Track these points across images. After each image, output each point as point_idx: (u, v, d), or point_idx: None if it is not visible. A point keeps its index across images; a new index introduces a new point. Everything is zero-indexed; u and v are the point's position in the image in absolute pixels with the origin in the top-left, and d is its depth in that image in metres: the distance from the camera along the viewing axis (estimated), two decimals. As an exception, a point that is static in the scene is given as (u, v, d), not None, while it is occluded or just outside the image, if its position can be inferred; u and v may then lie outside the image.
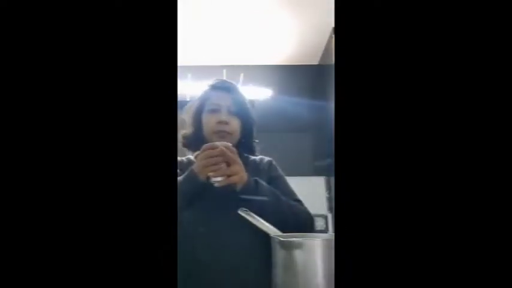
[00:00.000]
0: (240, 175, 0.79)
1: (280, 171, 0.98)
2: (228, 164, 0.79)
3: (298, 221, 0.85)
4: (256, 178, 0.84)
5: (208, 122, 0.93)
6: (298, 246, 0.59)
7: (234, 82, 1.02)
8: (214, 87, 0.98)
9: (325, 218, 2.27)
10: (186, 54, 2.45)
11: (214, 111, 0.93)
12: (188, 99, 2.45)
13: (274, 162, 0.99)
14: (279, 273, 0.61)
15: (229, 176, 0.78)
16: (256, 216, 0.70)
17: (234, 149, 0.82)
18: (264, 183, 0.85)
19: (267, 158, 0.99)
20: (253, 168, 0.93)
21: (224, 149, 0.79)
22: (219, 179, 0.78)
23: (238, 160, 0.81)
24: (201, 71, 2.51)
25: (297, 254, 0.59)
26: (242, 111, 0.95)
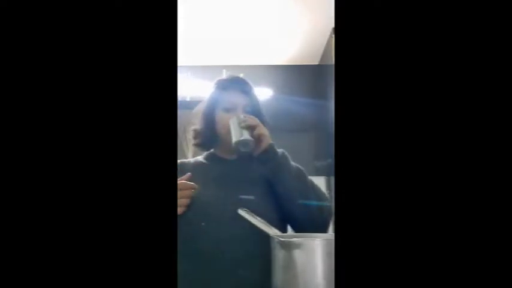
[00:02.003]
0: (266, 135, 0.83)
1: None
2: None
3: (320, 199, 0.86)
4: (283, 150, 0.87)
5: (224, 120, 0.90)
6: (298, 246, 0.59)
7: (248, 80, 0.99)
8: (227, 85, 0.95)
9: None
10: (186, 54, 2.45)
11: (230, 110, 0.91)
12: (188, 99, 2.45)
13: (286, 153, 0.98)
14: (279, 273, 0.61)
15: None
16: (256, 216, 0.70)
17: (254, 117, 0.85)
18: (289, 158, 0.87)
19: (279, 150, 0.99)
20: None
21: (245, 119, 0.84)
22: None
23: (260, 124, 0.84)
24: (201, 71, 2.50)
25: (297, 254, 0.59)
26: (256, 111, 0.94)
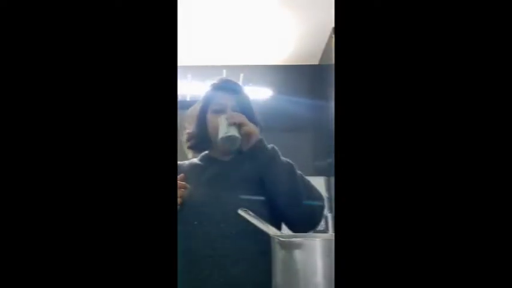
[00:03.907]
0: (254, 131, 0.85)
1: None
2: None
3: (311, 196, 0.86)
4: (273, 145, 0.87)
5: (213, 122, 0.92)
6: (298, 246, 0.59)
7: (237, 82, 1.02)
8: (217, 87, 0.98)
9: (325, 218, 2.27)
10: (186, 54, 2.45)
11: (219, 111, 0.93)
12: (188, 99, 2.45)
13: (276, 148, 0.98)
14: (279, 273, 0.61)
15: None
16: (256, 216, 0.70)
17: (241, 115, 0.87)
18: (279, 154, 0.88)
19: (269, 145, 0.99)
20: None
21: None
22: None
23: (246, 121, 0.86)
24: (201, 71, 2.50)
25: (297, 254, 0.59)
26: (246, 112, 0.95)
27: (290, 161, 0.88)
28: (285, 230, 0.89)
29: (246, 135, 0.84)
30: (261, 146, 0.85)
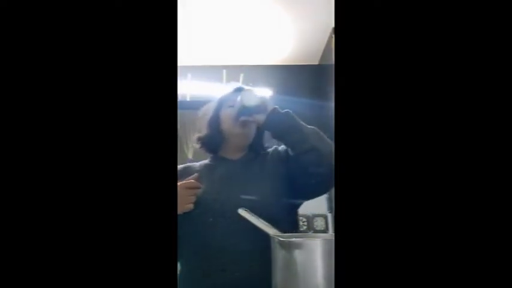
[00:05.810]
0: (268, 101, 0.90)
1: None
2: None
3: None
4: (288, 110, 0.89)
5: (228, 116, 0.95)
6: (298, 246, 0.59)
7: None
8: (232, 91, 1.01)
9: (325, 218, 2.27)
10: (186, 54, 2.45)
11: (233, 106, 0.96)
12: (188, 99, 2.45)
13: (291, 113, 0.96)
14: (279, 273, 0.61)
15: None
16: (256, 216, 0.70)
17: None
18: (296, 117, 0.90)
19: (284, 110, 0.96)
20: (264, 157, 0.98)
21: None
22: None
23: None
24: (201, 71, 2.50)
25: (297, 254, 0.59)
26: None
27: (314, 127, 0.89)
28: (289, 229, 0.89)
29: (262, 102, 0.87)
30: (276, 111, 0.88)
